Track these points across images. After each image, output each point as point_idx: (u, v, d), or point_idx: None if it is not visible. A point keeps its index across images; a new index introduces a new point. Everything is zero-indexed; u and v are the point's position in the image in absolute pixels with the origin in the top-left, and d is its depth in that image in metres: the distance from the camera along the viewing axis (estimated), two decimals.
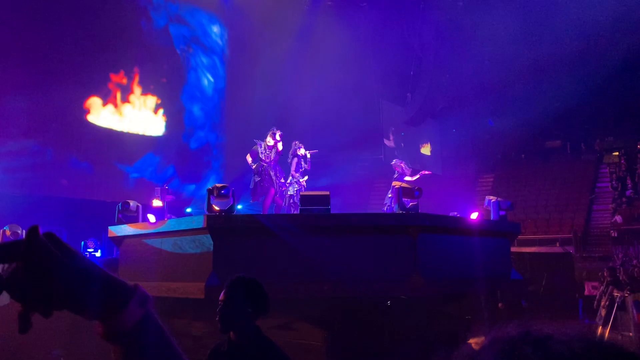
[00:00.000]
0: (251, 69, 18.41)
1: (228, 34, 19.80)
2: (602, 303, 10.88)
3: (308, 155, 11.01)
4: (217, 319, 2.67)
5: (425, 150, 26.13)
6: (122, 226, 9.03)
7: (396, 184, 8.87)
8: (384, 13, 21.68)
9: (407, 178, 11.75)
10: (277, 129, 10.68)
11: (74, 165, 15.06)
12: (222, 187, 7.86)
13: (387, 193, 11.27)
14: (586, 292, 13.93)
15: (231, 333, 2.68)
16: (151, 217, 9.23)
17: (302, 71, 20.00)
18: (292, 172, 10.86)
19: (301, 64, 19.92)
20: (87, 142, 15.85)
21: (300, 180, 10.83)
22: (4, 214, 11.78)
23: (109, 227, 9.39)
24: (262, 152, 10.52)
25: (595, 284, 11.86)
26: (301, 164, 10.93)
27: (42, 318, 0.78)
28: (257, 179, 10.46)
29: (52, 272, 0.74)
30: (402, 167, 12.02)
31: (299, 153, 10.91)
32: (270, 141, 10.53)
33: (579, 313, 13.69)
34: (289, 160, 10.89)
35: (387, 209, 11.10)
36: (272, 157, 10.53)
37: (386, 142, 24.24)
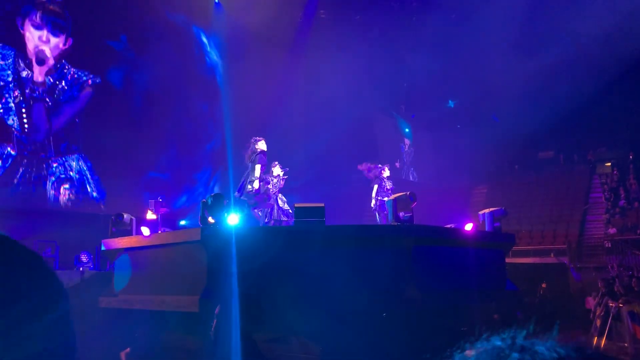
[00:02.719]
0: (245, 83, 18.44)
1: (221, 46, 19.86)
2: (597, 313, 10.89)
3: (282, 174, 10.70)
4: (210, 332, 2.64)
5: None
6: (116, 239, 8.98)
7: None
8: (377, 25, 21.86)
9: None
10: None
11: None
12: (216, 198, 7.84)
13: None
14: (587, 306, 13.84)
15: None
16: (145, 230, 9.18)
17: (296, 83, 20.07)
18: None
19: (295, 77, 20.00)
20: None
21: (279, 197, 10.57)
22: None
23: (102, 240, 9.34)
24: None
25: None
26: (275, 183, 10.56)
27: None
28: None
29: None
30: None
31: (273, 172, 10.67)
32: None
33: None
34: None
35: (375, 206, 11.16)
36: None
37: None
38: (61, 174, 14.78)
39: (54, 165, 14.71)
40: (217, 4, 19.32)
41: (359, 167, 11.94)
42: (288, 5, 19.28)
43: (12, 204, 13.69)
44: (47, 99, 14.85)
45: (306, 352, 7.43)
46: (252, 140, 10.36)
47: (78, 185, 15.03)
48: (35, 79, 14.65)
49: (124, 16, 16.09)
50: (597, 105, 22.99)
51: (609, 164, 24.63)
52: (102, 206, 15.21)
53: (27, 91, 14.44)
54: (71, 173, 14.92)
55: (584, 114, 22.98)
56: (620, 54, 21.00)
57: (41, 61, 14.65)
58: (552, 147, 26.25)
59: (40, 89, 14.75)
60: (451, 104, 25.45)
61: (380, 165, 11.75)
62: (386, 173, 11.58)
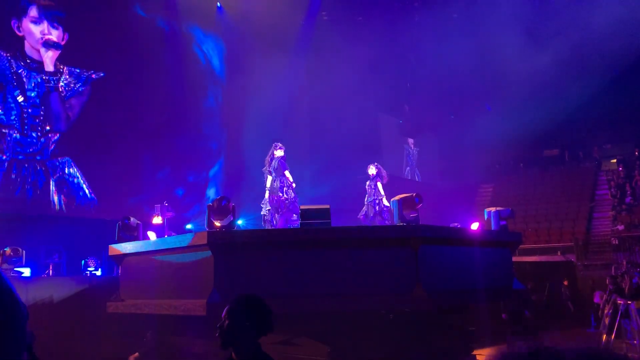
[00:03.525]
0: (248, 85, 18.49)
1: (225, 48, 19.92)
2: (606, 311, 10.84)
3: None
4: (217, 334, 2.65)
5: None
6: (123, 244, 9.01)
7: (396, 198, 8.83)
8: (379, 26, 21.85)
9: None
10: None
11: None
12: (222, 201, 7.86)
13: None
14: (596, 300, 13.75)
15: (232, 354, 2.65)
16: (151, 235, 9.22)
17: (299, 84, 20.08)
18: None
19: (298, 78, 20.01)
20: None
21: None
22: (2, 235, 11.75)
23: (110, 245, 9.37)
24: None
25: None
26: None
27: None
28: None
29: None
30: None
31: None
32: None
33: (590, 322, 13.45)
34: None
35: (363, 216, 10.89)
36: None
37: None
38: (60, 177, 14.66)
39: (51, 167, 14.57)
40: (220, 8, 19.38)
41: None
42: (290, 7, 19.30)
43: (19, 210, 13.77)
44: (60, 87, 14.86)
45: (314, 354, 7.43)
46: (273, 146, 10.47)
47: (75, 189, 14.93)
48: (46, 69, 14.62)
49: (121, 20, 16.03)
50: (602, 102, 22.91)
51: (615, 160, 24.53)
52: (93, 210, 15.11)
53: (30, 87, 14.35)
54: (67, 176, 14.80)
55: (589, 110, 22.89)
56: (625, 50, 20.92)
57: (52, 45, 14.58)
58: (557, 144, 26.18)
59: (53, 78, 14.74)
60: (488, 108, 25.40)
61: (369, 166, 11.23)
62: (371, 170, 11.05)
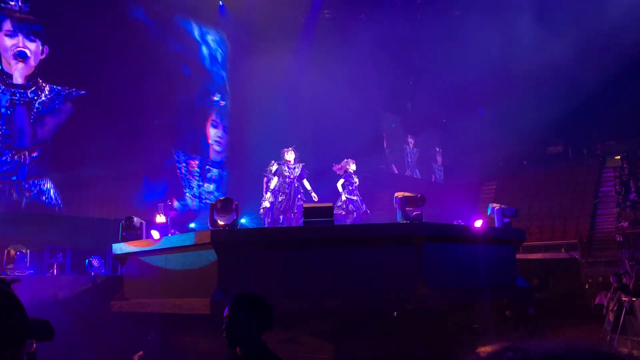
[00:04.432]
0: (249, 83, 18.48)
1: (226, 46, 19.91)
2: (610, 308, 10.80)
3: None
4: (223, 335, 2.66)
5: None
6: (126, 243, 9.02)
7: (399, 194, 8.79)
8: (382, 24, 21.81)
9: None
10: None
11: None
12: (225, 201, 7.85)
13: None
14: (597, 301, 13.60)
15: (237, 349, 2.66)
16: (155, 234, 9.22)
17: (301, 83, 20.06)
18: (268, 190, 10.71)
19: (300, 75, 20.00)
20: None
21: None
22: (6, 234, 11.79)
23: (113, 244, 9.38)
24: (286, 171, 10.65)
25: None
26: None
27: None
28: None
29: None
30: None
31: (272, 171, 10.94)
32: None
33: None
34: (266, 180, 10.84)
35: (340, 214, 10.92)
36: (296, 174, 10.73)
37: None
38: (38, 198, 14.24)
39: (27, 189, 14.16)
40: (222, 6, 19.38)
41: (334, 168, 11.61)
42: (292, 5, 19.29)
43: (22, 210, 13.79)
44: (31, 102, 14.40)
45: (319, 352, 7.43)
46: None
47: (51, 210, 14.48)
48: (15, 81, 14.21)
49: (115, 24, 15.92)
50: (606, 98, 22.80)
51: (619, 157, 24.41)
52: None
53: (4, 103, 13.95)
54: (43, 197, 14.34)
55: (593, 107, 22.79)
56: (628, 46, 20.83)
57: (21, 57, 14.16)
58: (561, 141, 26.06)
59: (21, 92, 14.29)
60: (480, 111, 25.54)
61: (346, 160, 11.34)
62: (352, 167, 11.15)
